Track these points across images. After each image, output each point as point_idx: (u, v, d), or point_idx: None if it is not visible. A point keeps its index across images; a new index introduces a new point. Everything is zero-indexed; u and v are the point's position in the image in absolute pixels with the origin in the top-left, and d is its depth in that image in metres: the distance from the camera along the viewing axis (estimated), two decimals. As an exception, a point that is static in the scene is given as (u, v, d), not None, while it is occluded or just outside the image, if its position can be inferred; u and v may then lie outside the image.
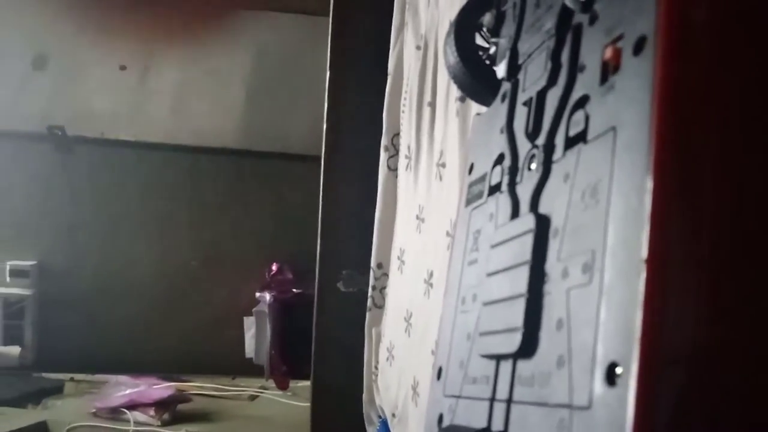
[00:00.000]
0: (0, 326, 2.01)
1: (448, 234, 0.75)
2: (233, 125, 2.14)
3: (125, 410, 1.67)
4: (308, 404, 1.20)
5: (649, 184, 0.22)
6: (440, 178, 0.85)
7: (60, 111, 2.07)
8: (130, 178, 2.12)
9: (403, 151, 1.05)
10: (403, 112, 1.07)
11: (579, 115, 0.28)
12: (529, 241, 0.29)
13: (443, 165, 0.84)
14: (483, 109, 0.42)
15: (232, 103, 2.15)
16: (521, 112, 0.34)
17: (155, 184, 2.14)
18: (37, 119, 2.04)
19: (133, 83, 2.11)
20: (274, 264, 2.13)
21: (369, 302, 1.10)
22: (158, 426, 1.65)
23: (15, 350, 2.01)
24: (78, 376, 1.97)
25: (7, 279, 2.03)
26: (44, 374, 1.99)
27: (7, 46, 2.07)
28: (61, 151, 2.07)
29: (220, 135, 2.13)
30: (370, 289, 1.11)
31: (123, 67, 2.11)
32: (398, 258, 1.03)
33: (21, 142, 2.06)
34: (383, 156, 1.11)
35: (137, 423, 1.64)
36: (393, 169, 1.09)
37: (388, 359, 1.03)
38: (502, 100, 0.37)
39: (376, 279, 1.10)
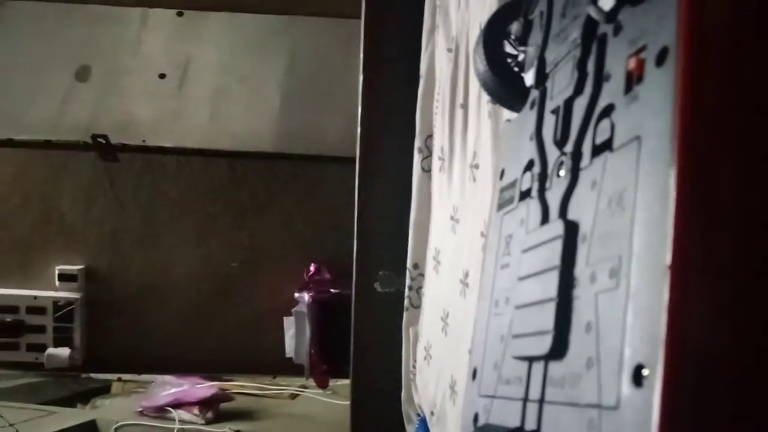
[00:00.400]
0: (50, 328, 2.08)
1: (482, 234, 0.76)
2: (269, 129, 2.18)
3: (170, 409, 1.71)
4: (348, 403, 1.22)
5: (673, 193, 0.23)
6: (474, 180, 0.86)
7: (103, 120, 2.13)
8: (171, 183, 2.17)
9: (436, 152, 1.06)
10: (435, 113, 1.07)
11: (605, 123, 0.29)
12: (558, 246, 0.30)
13: (476, 166, 0.85)
14: (513, 114, 0.43)
15: (267, 107, 2.18)
16: (549, 120, 0.35)
17: (195, 188, 2.18)
18: (82, 129, 2.11)
19: (172, 91, 2.16)
20: (312, 264, 2.16)
21: (406, 302, 1.12)
22: (202, 424, 1.68)
23: (65, 352, 2.08)
24: (125, 376, 2.02)
25: (57, 283, 2.10)
26: (92, 375, 2.06)
27: (51, 59, 2.14)
28: (105, 159, 2.13)
29: (257, 139, 2.17)
30: (406, 289, 1.12)
31: (162, 75, 2.16)
32: (434, 258, 1.04)
33: (67, 152, 2.13)
34: (417, 157, 1.12)
35: (182, 421, 1.68)
36: (427, 171, 1.10)
37: (425, 358, 1.04)
38: (531, 107, 0.38)
39: (412, 279, 1.11)
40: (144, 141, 2.13)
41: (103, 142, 2.09)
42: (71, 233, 2.15)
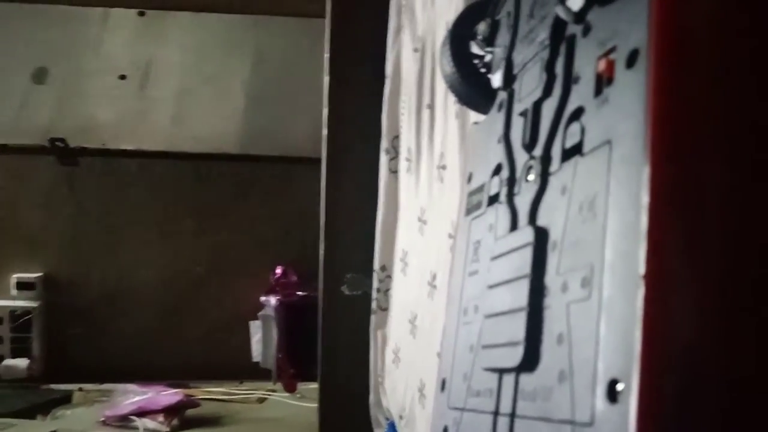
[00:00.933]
0: (7, 339, 2.02)
1: (450, 236, 0.76)
2: (234, 130, 2.15)
3: (134, 418, 1.67)
4: (317, 405, 1.21)
5: (645, 199, 0.22)
6: (441, 180, 0.85)
7: (62, 123, 2.08)
8: (133, 187, 2.13)
9: (403, 153, 1.05)
10: (402, 114, 1.06)
11: (575, 127, 0.28)
12: (528, 254, 0.29)
13: (444, 167, 0.84)
14: (481, 117, 0.42)
15: (232, 108, 2.15)
16: (518, 123, 0.34)
17: (158, 192, 2.14)
18: (40, 133, 2.05)
19: (134, 92, 2.11)
20: (279, 267, 2.13)
21: (373, 305, 1.10)
22: (168, 432, 1.65)
23: (23, 362, 2.02)
24: (86, 386, 1.97)
25: (14, 292, 2.04)
26: (52, 385, 2.00)
27: (7, 61, 2.07)
28: (64, 163, 2.07)
29: (221, 140, 2.13)
30: (374, 292, 1.11)
31: (123, 77, 2.12)
32: (401, 260, 1.03)
33: (24, 156, 2.07)
34: (384, 158, 1.11)
35: (147, 430, 1.64)
36: (394, 172, 1.09)
37: (394, 361, 1.03)
38: (499, 109, 0.37)
39: (380, 281, 1.10)
40: (104, 144, 2.08)
41: (62, 145, 2.04)
42: (29, 240, 2.09)
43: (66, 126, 2.07)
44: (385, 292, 1.10)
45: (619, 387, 0.21)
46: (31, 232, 2.09)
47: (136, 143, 2.10)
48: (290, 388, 1.95)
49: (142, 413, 1.68)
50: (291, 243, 2.11)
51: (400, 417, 0.96)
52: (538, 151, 0.31)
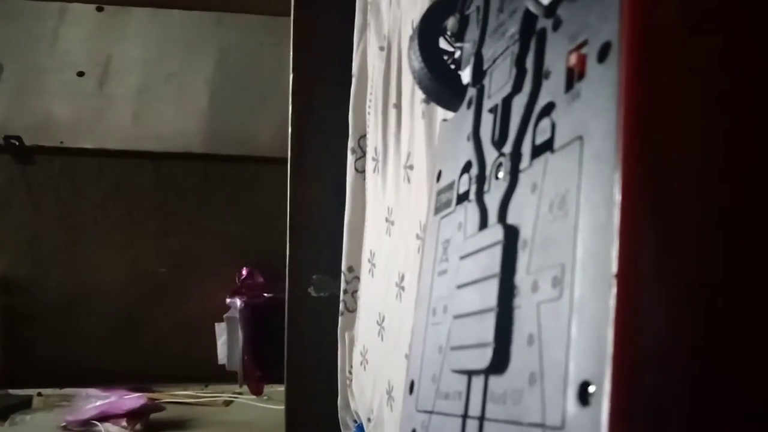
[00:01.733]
0: (-38, 343, 1.95)
1: (418, 237, 0.75)
2: (197, 129, 2.11)
3: (97, 423, 1.64)
4: (284, 408, 1.19)
5: (618, 197, 0.21)
6: (408, 181, 0.85)
7: (17, 121, 2.02)
8: (93, 186, 2.07)
9: (370, 153, 1.04)
10: (369, 113, 1.06)
11: (545, 123, 0.27)
12: (497, 252, 0.28)
13: (411, 167, 0.83)
14: (450, 114, 0.41)
15: (195, 106, 2.12)
16: (487, 119, 0.33)
17: (119, 191, 2.09)
18: (-8, 130, 1.99)
19: (93, 89, 2.06)
20: (245, 268, 2.11)
21: (341, 306, 1.09)
22: (131, 437, 1.62)
23: (-21, 367, 1.96)
24: (46, 391, 1.92)
25: (-32, 294, 1.97)
26: (10, 391, 1.94)
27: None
28: (19, 162, 2.01)
29: (185, 139, 2.10)
30: (341, 293, 1.10)
31: (81, 73, 2.06)
32: (369, 261, 1.03)
33: (-23, 155, 2.00)
34: (350, 158, 1.10)
35: (109, 435, 1.61)
36: (361, 171, 1.08)
37: (362, 363, 1.02)
38: (468, 106, 0.36)
39: (347, 283, 1.09)
40: (62, 142, 2.03)
41: (17, 143, 1.98)
42: (-17, 240, 2.02)
43: (21, 124, 2.01)
44: (353, 293, 1.09)
45: (591, 389, 0.21)
46: (-15, 234, 2.02)
47: (96, 142, 2.05)
48: (257, 391, 1.93)
49: (104, 418, 1.65)
50: (257, 244, 2.08)
51: (368, 419, 0.96)
52: (507, 148, 0.30)
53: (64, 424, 1.64)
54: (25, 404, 1.87)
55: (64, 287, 2.06)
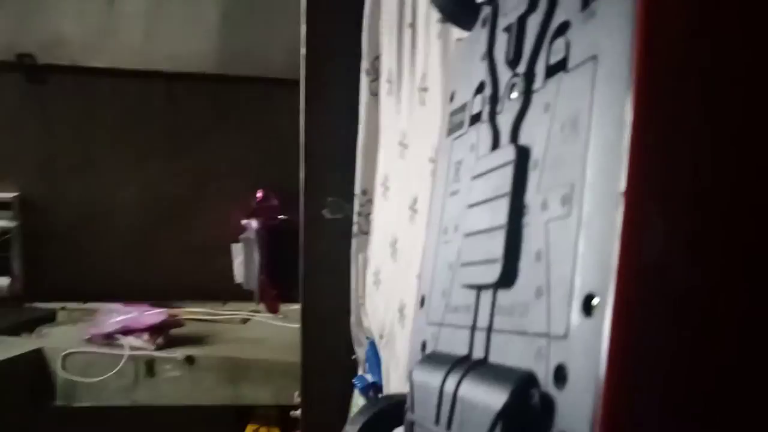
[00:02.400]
0: (-14, 257, 2.01)
1: (431, 160, 0.75)
2: (209, 49, 2.08)
3: (119, 336, 1.70)
4: (299, 326, 1.23)
5: (629, 117, 0.21)
6: (422, 103, 0.84)
7: (28, 38, 1.99)
8: (106, 106, 2.07)
9: (384, 75, 1.03)
10: (383, 34, 1.04)
11: (560, 42, 0.27)
12: (509, 172, 0.29)
13: (425, 89, 0.83)
14: (465, 34, 0.41)
15: (207, 25, 2.08)
16: (502, 39, 0.33)
17: (132, 112, 2.09)
18: (3, 48, 1.97)
19: (102, 6, 2.02)
20: (260, 191, 2.13)
21: (355, 228, 1.11)
22: (153, 350, 1.68)
23: (4, 281, 2.02)
24: (70, 305, 1.99)
25: (-10, 211, 2.02)
26: (36, 304, 2.01)
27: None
28: (32, 81, 2.00)
29: (196, 60, 2.07)
30: (355, 215, 1.11)
31: (90, -10, 2.02)
32: (382, 184, 1.03)
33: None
34: (364, 80, 1.09)
35: (132, 348, 1.67)
36: (375, 94, 1.07)
37: (375, 283, 1.05)
38: (483, 25, 0.36)
39: (361, 205, 1.10)
40: (74, 61, 2.01)
41: (30, 62, 1.96)
42: (0, 160, 2.04)
43: (32, 41, 1.99)
44: (366, 216, 1.10)
45: (595, 301, 0.22)
46: (1, 152, 2.04)
47: (107, 61, 2.03)
48: (273, 309, 1.98)
49: (126, 332, 1.71)
50: (272, 166, 2.09)
51: (381, 336, 0.99)
52: (522, 67, 0.30)
53: (88, 336, 1.71)
54: (50, 317, 1.94)
55: (81, 207, 2.10)
